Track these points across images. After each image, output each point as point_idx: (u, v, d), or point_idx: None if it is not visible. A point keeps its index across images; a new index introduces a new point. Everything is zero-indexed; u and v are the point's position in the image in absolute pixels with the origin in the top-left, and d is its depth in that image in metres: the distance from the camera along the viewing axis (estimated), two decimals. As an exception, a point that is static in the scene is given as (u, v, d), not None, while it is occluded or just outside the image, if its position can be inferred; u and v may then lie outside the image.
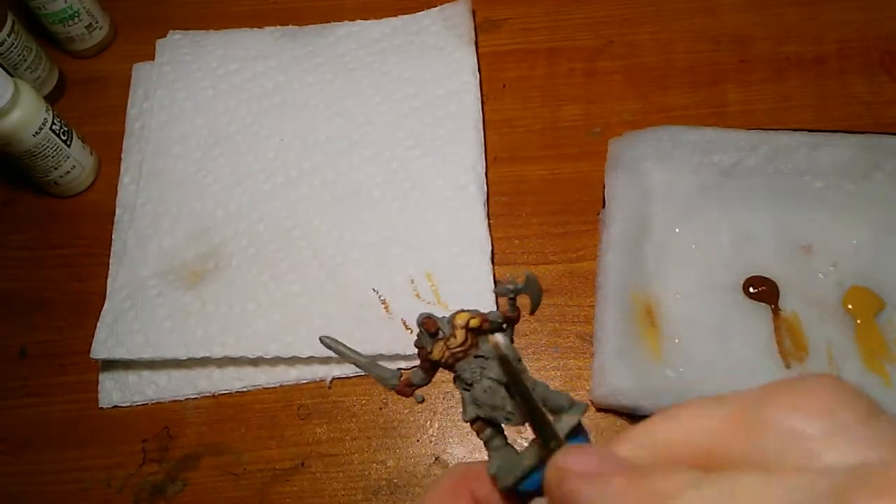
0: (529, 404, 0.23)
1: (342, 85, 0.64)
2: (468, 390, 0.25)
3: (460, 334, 0.25)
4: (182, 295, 0.56)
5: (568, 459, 0.20)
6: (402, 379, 0.27)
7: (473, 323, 0.25)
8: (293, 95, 0.64)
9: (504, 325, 0.26)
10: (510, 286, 0.25)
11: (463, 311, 0.25)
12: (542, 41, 0.66)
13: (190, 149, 0.62)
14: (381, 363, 0.27)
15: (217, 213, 0.60)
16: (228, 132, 0.63)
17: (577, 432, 0.23)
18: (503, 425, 0.25)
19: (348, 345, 0.27)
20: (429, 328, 0.25)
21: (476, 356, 0.25)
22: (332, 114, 0.63)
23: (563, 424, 0.23)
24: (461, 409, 0.26)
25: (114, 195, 0.62)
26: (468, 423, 0.26)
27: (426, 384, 0.27)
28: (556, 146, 0.61)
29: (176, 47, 0.67)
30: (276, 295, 0.55)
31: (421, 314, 0.25)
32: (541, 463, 0.22)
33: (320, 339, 0.27)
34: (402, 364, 0.53)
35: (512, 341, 0.25)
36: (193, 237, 0.59)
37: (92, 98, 0.68)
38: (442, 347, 0.25)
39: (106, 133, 0.65)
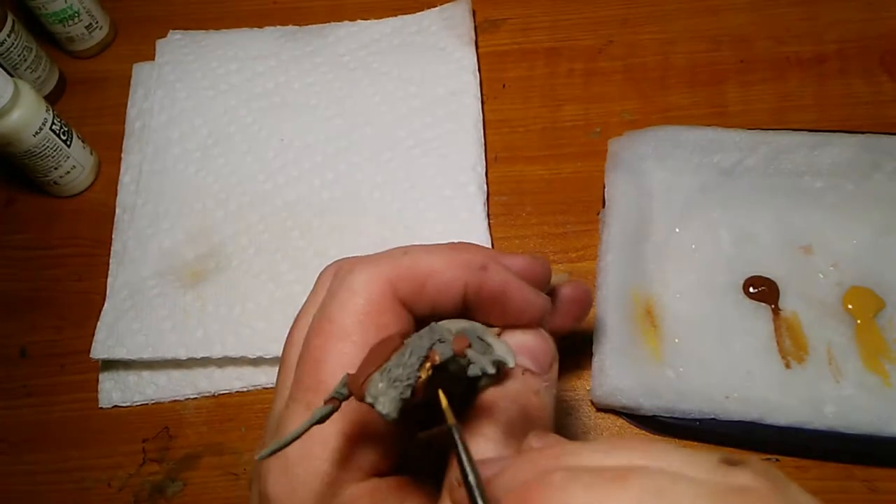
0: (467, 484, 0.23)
1: (342, 85, 0.64)
2: None
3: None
4: (182, 295, 0.56)
5: None
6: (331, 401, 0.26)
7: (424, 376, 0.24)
8: (293, 95, 0.64)
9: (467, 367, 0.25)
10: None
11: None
12: (541, 41, 0.66)
13: (190, 149, 0.62)
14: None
15: (217, 213, 0.60)
16: (228, 132, 0.63)
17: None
18: None
19: None
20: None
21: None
22: (332, 114, 0.63)
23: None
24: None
25: (114, 195, 0.62)
26: None
27: None
28: (556, 146, 0.61)
29: (176, 47, 0.67)
30: (276, 295, 0.55)
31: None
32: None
33: None
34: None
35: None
36: (193, 237, 0.59)
37: (92, 98, 0.68)
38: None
39: (106, 133, 0.65)
